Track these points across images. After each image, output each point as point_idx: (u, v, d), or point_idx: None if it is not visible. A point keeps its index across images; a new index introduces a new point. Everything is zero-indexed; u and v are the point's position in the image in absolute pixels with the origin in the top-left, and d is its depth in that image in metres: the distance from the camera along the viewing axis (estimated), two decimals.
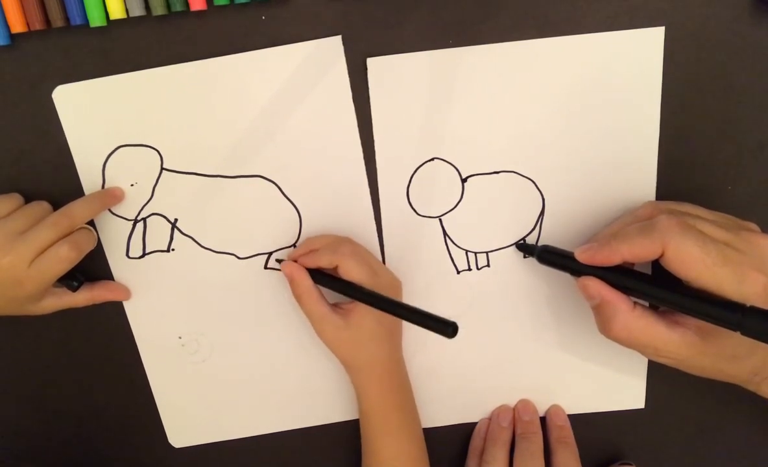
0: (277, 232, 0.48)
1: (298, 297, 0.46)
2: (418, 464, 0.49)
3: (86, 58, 0.44)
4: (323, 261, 0.44)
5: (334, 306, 0.46)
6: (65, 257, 0.43)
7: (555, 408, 0.53)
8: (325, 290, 0.46)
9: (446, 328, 0.39)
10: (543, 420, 0.53)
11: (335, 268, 0.44)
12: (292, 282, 0.45)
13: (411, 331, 0.51)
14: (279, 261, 0.49)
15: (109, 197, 0.47)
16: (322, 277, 0.45)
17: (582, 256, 0.40)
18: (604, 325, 0.41)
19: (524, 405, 0.53)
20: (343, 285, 0.44)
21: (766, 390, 0.41)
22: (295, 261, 0.46)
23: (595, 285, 0.40)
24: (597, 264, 0.40)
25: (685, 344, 0.39)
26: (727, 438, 0.53)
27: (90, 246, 0.46)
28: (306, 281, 0.45)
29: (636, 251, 0.38)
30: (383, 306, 0.42)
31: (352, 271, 0.44)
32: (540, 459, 0.50)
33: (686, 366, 0.40)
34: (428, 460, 0.51)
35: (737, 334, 0.35)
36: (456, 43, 0.44)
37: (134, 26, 0.44)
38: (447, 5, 0.43)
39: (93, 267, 0.48)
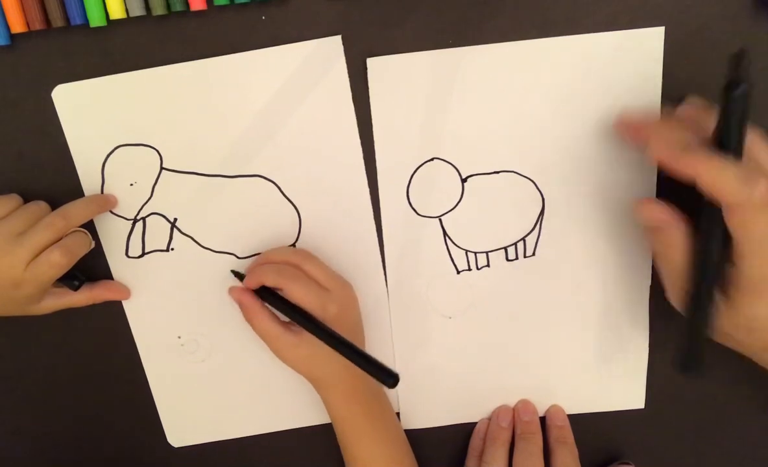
0: (277, 232, 0.48)
1: (248, 320, 0.45)
2: (399, 466, 0.49)
3: (86, 58, 0.44)
4: (267, 280, 0.44)
5: (288, 323, 0.46)
6: (56, 263, 0.42)
7: (554, 408, 0.53)
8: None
9: (387, 379, 0.39)
10: (543, 420, 0.53)
11: (281, 290, 0.44)
12: (240, 307, 0.45)
13: (410, 331, 0.51)
14: (236, 273, 0.48)
15: (106, 201, 0.47)
16: (270, 297, 0.45)
17: (656, 148, 0.37)
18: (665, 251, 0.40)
19: (524, 405, 0.53)
20: (287, 309, 0.44)
21: None
22: (242, 278, 0.46)
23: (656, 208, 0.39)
24: (666, 167, 0.36)
25: None
26: (727, 438, 0.53)
27: (84, 250, 0.45)
28: (254, 304, 0.45)
29: (719, 191, 0.34)
30: (322, 337, 0.42)
31: (295, 295, 0.43)
32: (539, 459, 0.49)
33: None
34: (413, 460, 0.51)
35: (757, 305, 0.35)
36: (456, 43, 0.44)
37: (134, 26, 0.44)
38: (447, 5, 0.43)
39: (92, 267, 0.48)
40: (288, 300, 0.44)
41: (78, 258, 0.44)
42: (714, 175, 0.34)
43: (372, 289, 0.50)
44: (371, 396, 0.49)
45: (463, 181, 0.47)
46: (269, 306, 0.46)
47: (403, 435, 0.51)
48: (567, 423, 0.52)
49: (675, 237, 0.39)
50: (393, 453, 0.50)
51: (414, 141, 0.46)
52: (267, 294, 0.45)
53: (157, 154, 0.46)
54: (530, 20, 0.43)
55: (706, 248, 0.38)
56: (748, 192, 0.33)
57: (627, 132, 0.42)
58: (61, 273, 0.43)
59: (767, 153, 0.37)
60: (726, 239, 0.37)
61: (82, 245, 0.45)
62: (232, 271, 0.48)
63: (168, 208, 0.48)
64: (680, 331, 0.40)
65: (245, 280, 0.46)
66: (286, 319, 0.46)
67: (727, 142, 0.35)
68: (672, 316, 0.43)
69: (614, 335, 0.50)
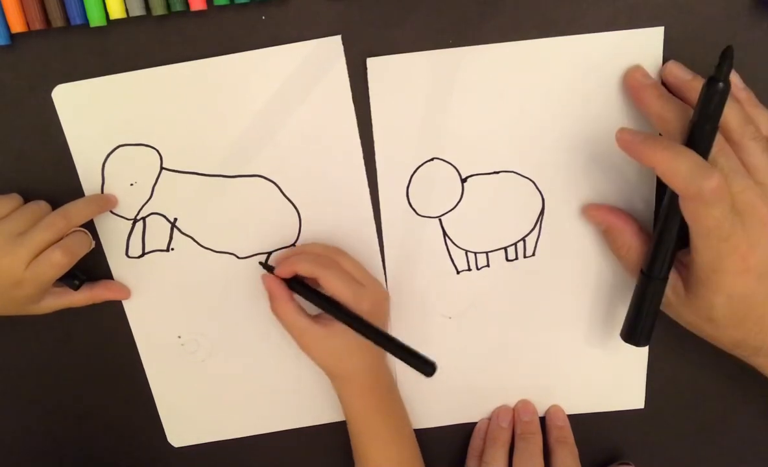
0: (277, 232, 0.48)
1: (276, 311, 0.45)
2: None
3: (86, 58, 0.44)
4: (301, 269, 0.44)
5: (316, 316, 0.46)
6: (57, 262, 0.42)
7: (554, 409, 0.53)
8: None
9: (425, 367, 0.39)
10: (542, 420, 0.53)
11: (316, 280, 0.44)
12: (270, 297, 0.45)
13: (410, 331, 0.51)
14: (264, 265, 0.48)
15: (106, 201, 0.47)
16: (303, 289, 0.45)
17: (621, 136, 0.39)
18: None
19: (524, 405, 0.53)
20: (321, 301, 0.44)
21: (756, 361, 0.42)
22: (272, 270, 0.46)
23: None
24: (629, 153, 0.38)
25: (670, 286, 0.41)
26: (727, 438, 0.53)
27: (84, 250, 0.45)
28: (284, 294, 0.45)
29: (672, 181, 0.36)
30: (360, 329, 0.42)
31: (331, 285, 0.43)
32: (539, 460, 0.49)
33: (675, 313, 0.42)
34: (422, 462, 0.51)
35: (713, 297, 0.38)
36: (456, 43, 0.44)
37: (134, 26, 0.44)
38: (447, 5, 0.43)
39: (92, 267, 0.48)
40: (321, 291, 0.44)
41: (79, 257, 0.44)
42: (667, 165, 0.36)
43: None
44: (388, 393, 0.49)
45: (463, 181, 0.47)
46: (298, 298, 0.46)
47: (414, 436, 0.51)
48: (567, 423, 0.52)
49: (623, 237, 0.44)
50: (404, 452, 0.50)
51: (414, 141, 0.46)
52: (298, 286, 0.45)
53: (157, 154, 0.46)
54: (530, 20, 0.43)
55: (662, 230, 0.40)
56: (697, 185, 0.34)
57: (631, 89, 0.43)
58: (62, 272, 0.43)
59: (754, 155, 0.38)
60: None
61: (82, 245, 0.45)
62: (261, 263, 0.48)
63: (168, 207, 0.48)
64: (631, 303, 0.43)
65: (277, 269, 0.45)
66: (313, 313, 0.46)
67: (696, 134, 0.37)
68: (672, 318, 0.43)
69: (614, 335, 0.50)
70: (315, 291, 0.44)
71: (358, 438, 0.49)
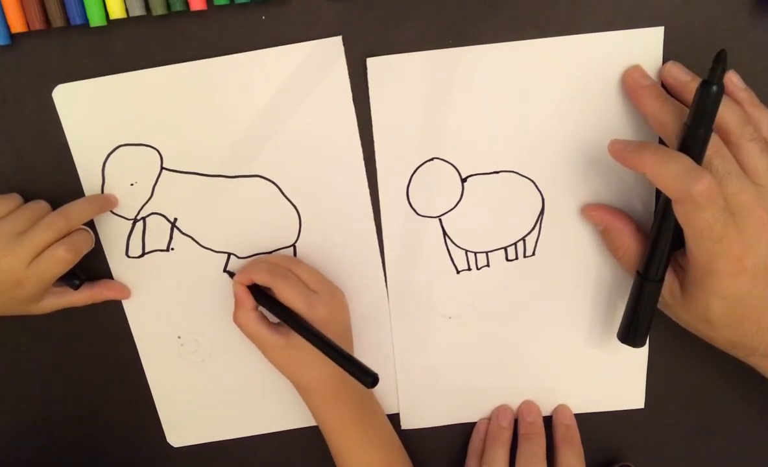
0: (277, 232, 0.48)
1: (237, 320, 0.46)
2: None
3: (86, 58, 0.44)
4: (258, 278, 0.45)
5: (278, 324, 0.46)
6: (61, 259, 0.42)
7: (562, 408, 0.52)
8: None
9: (366, 378, 0.40)
10: (545, 420, 0.53)
11: (270, 289, 0.45)
12: (236, 304, 0.46)
13: (410, 331, 0.51)
14: (230, 273, 0.49)
15: (106, 201, 0.47)
16: (263, 298, 0.45)
17: (613, 146, 0.40)
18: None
19: (528, 405, 0.52)
20: (278, 310, 0.44)
21: (753, 361, 0.42)
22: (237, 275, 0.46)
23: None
24: (621, 162, 0.40)
25: (667, 287, 0.41)
26: (727, 439, 0.53)
27: (87, 247, 0.45)
28: (246, 302, 0.45)
29: (662, 185, 0.36)
30: (308, 337, 0.43)
31: (284, 294, 0.44)
32: (542, 461, 0.49)
33: (672, 313, 0.43)
34: (408, 463, 0.51)
35: (709, 299, 0.38)
36: (456, 43, 0.44)
37: (134, 26, 0.44)
38: (447, 5, 0.43)
39: (92, 267, 0.48)
40: (276, 299, 0.45)
41: (82, 255, 0.44)
42: (656, 170, 0.36)
43: (372, 289, 0.50)
44: (358, 400, 0.49)
45: (463, 181, 0.47)
46: (262, 309, 0.46)
47: (397, 439, 0.51)
48: (574, 422, 0.52)
49: (621, 238, 0.44)
50: (384, 457, 0.49)
51: (414, 141, 0.46)
52: (259, 295, 0.45)
53: (158, 154, 0.46)
54: (530, 20, 0.43)
55: (657, 232, 0.40)
56: (686, 188, 0.35)
57: (628, 89, 0.43)
58: (66, 269, 0.43)
59: (752, 156, 0.38)
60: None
61: (86, 242, 0.45)
62: (226, 271, 0.49)
63: (168, 207, 0.48)
64: (628, 305, 0.44)
65: (237, 275, 0.46)
66: (276, 321, 0.46)
67: (690, 137, 0.37)
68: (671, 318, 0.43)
69: (614, 335, 0.50)
70: (273, 300, 0.45)
71: (333, 446, 0.49)
